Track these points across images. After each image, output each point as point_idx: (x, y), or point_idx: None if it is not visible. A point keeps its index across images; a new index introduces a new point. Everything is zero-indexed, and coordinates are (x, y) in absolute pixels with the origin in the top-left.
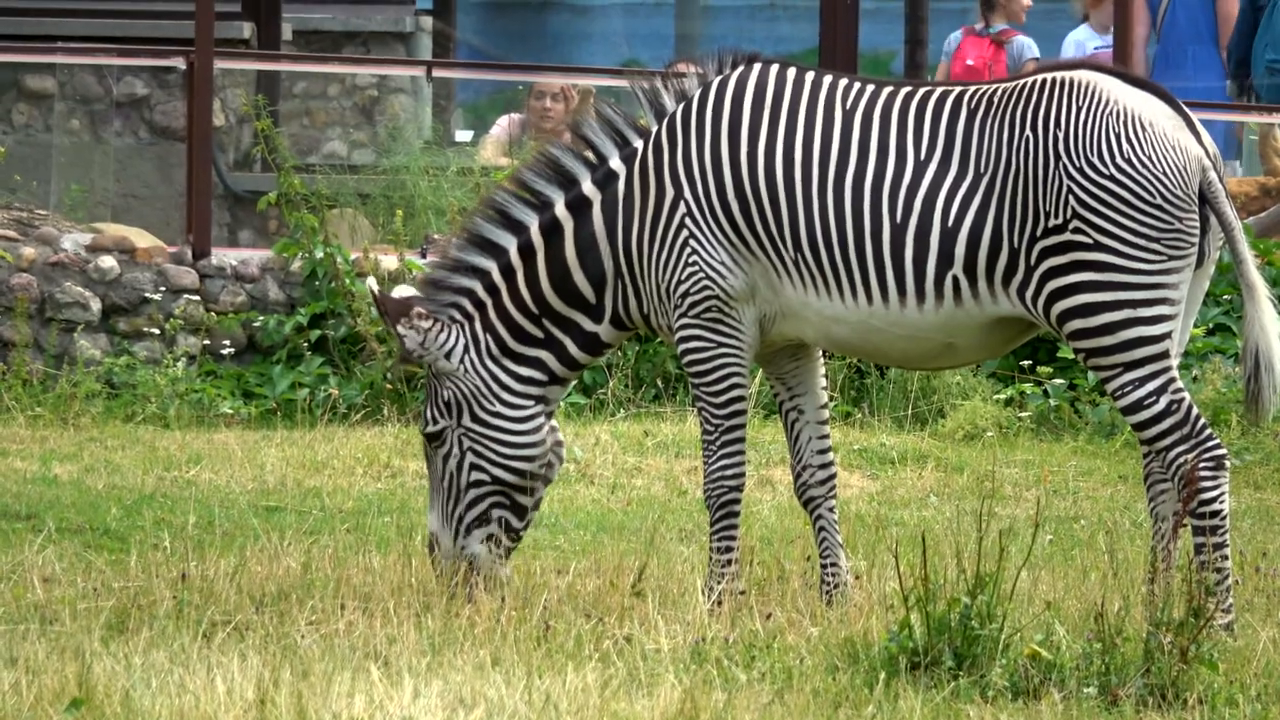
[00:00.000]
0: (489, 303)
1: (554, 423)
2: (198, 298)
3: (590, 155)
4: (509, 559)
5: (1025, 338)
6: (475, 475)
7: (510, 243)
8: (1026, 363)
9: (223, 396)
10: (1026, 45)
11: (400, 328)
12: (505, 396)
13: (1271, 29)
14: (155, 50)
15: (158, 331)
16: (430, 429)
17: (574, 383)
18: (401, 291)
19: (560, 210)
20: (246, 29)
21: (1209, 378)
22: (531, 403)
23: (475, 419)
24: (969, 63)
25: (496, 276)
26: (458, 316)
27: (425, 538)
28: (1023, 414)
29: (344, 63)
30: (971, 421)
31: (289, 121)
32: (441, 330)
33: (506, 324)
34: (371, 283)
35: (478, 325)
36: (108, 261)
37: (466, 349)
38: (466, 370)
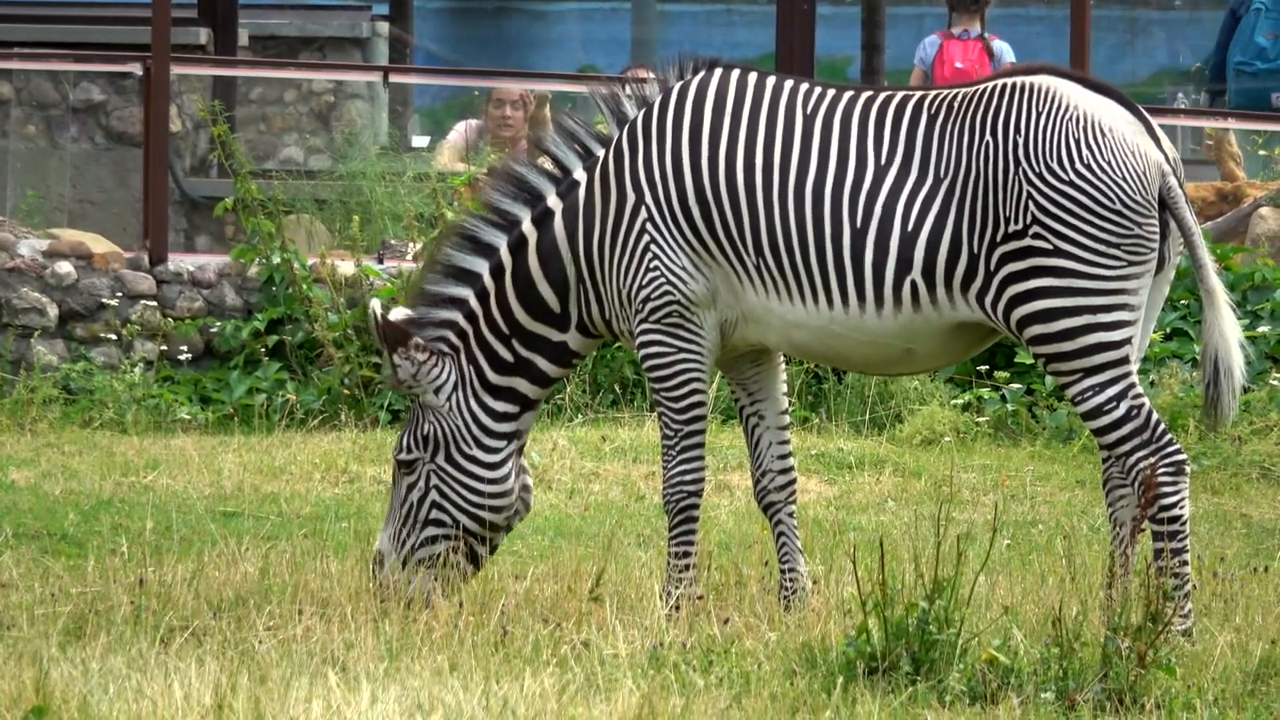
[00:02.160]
0: (470, 332)
1: (525, 464)
2: (155, 303)
3: (554, 169)
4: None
5: (986, 344)
6: (436, 514)
7: (483, 267)
8: (984, 368)
9: (180, 402)
10: (1005, 49)
11: (396, 357)
12: (483, 439)
13: (1242, 35)
14: (112, 56)
15: (115, 337)
16: (403, 456)
17: (543, 405)
18: (398, 314)
19: (526, 226)
20: (203, 34)
21: (1166, 383)
22: (504, 444)
23: (449, 459)
24: (958, 65)
25: (474, 303)
26: (446, 350)
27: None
28: (980, 419)
29: (300, 68)
30: (929, 426)
31: (245, 127)
32: (436, 365)
33: (485, 352)
34: (375, 305)
35: (463, 358)
36: (64, 267)
37: (456, 386)
38: (451, 409)
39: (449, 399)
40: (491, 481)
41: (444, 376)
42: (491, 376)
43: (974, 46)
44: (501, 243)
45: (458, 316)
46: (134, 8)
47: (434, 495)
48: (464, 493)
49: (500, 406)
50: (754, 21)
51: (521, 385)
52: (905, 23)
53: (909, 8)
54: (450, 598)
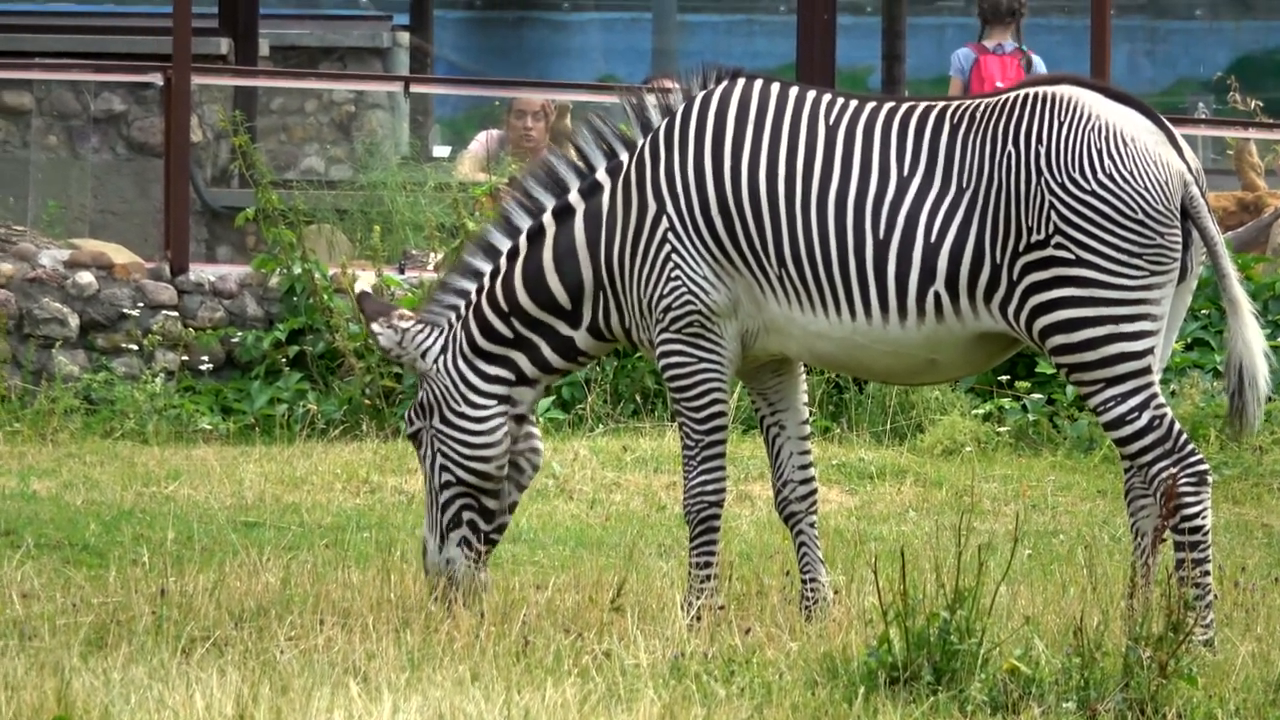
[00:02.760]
0: (474, 302)
1: (533, 429)
2: (176, 313)
3: (581, 164)
4: (485, 565)
5: (1008, 354)
6: (444, 477)
7: (505, 245)
8: (1005, 378)
9: (201, 412)
10: (1040, 64)
11: (376, 325)
12: (470, 396)
13: None
14: (133, 66)
15: (136, 347)
16: (408, 430)
17: (545, 387)
18: (358, 286)
19: (547, 216)
20: (224, 45)
21: (1187, 393)
22: (494, 403)
23: (443, 419)
24: (999, 85)
25: (487, 279)
26: (452, 319)
27: (405, 552)
28: (1001, 429)
29: (321, 78)
30: (950, 436)
31: (266, 137)
32: (421, 330)
33: (478, 320)
34: (361, 284)
35: (459, 326)
36: (86, 277)
37: (444, 349)
38: (439, 371)
39: (435, 361)
40: (477, 433)
41: (430, 341)
42: (482, 342)
43: (1011, 62)
44: (525, 226)
45: (471, 288)
46: (155, 18)
47: (439, 459)
48: (457, 447)
49: (491, 370)
50: (774, 32)
51: (519, 359)
52: (926, 33)
53: (930, 18)
54: (472, 607)
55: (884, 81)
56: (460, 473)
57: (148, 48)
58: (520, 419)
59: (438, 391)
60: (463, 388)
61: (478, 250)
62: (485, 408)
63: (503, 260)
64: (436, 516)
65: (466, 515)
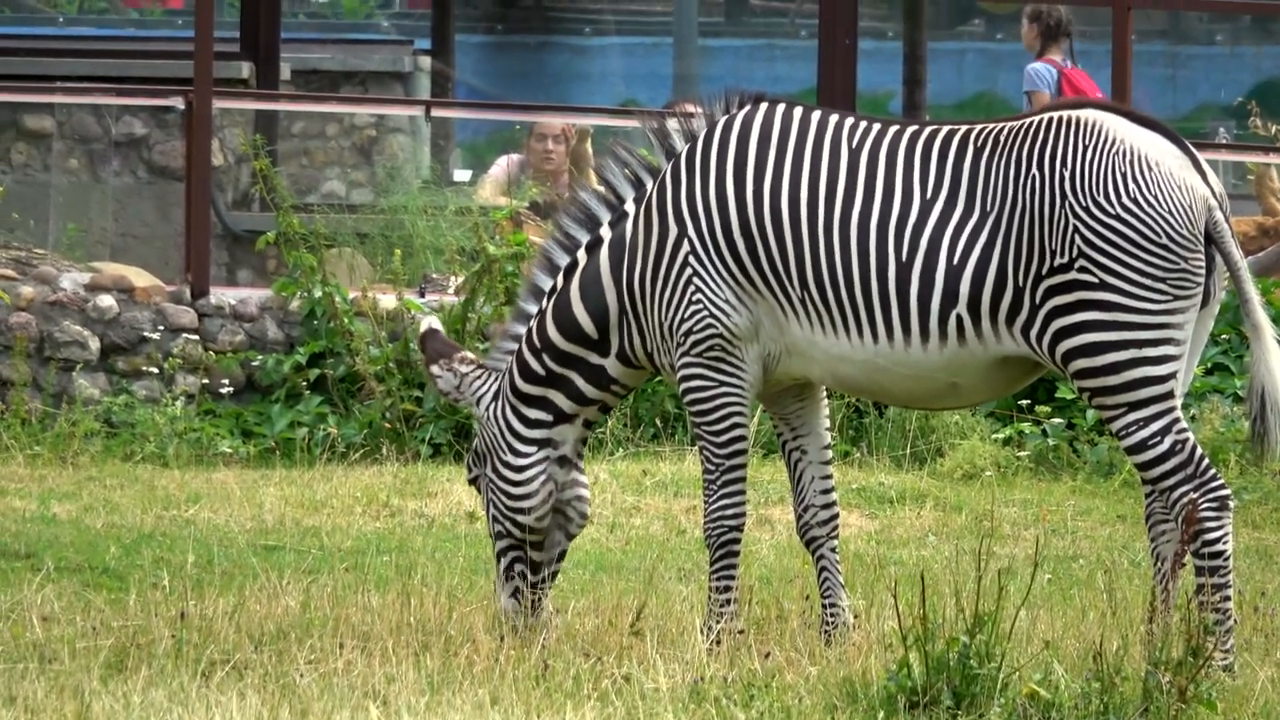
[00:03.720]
0: (519, 346)
1: (580, 476)
2: (196, 337)
3: (611, 196)
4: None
5: (1030, 378)
6: (496, 526)
7: (549, 284)
8: (1025, 402)
9: (221, 435)
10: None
11: (435, 369)
12: (514, 444)
13: None
14: (154, 90)
15: (156, 370)
16: (469, 477)
17: (586, 424)
18: (427, 324)
19: (580, 252)
20: (245, 69)
21: (1207, 417)
22: (534, 450)
23: (494, 469)
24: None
25: (533, 320)
26: (511, 364)
27: (425, 575)
28: (1021, 453)
29: (342, 102)
30: (970, 461)
31: (287, 161)
32: (480, 376)
33: (519, 363)
34: (431, 321)
35: (506, 371)
36: (106, 301)
37: (495, 396)
38: (489, 419)
39: (488, 409)
40: (516, 484)
41: (485, 388)
42: (521, 385)
43: (1083, 75)
44: (564, 264)
45: (522, 331)
46: (176, 42)
47: (492, 508)
48: (503, 498)
49: (531, 414)
50: (795, 56)
51: (555, 397)
52: (947, 57)
53: (951, 42)
54: (492, 632)
55: (905, 106)
56: (506, 524)
57: (169, 72)
58: (565, 462)
59: (489, 439)
60: (508, 435)
61: (528, 295)
62: (526, 455)
63: (544, 301)
64: (496, 566)
65: (517, 567)
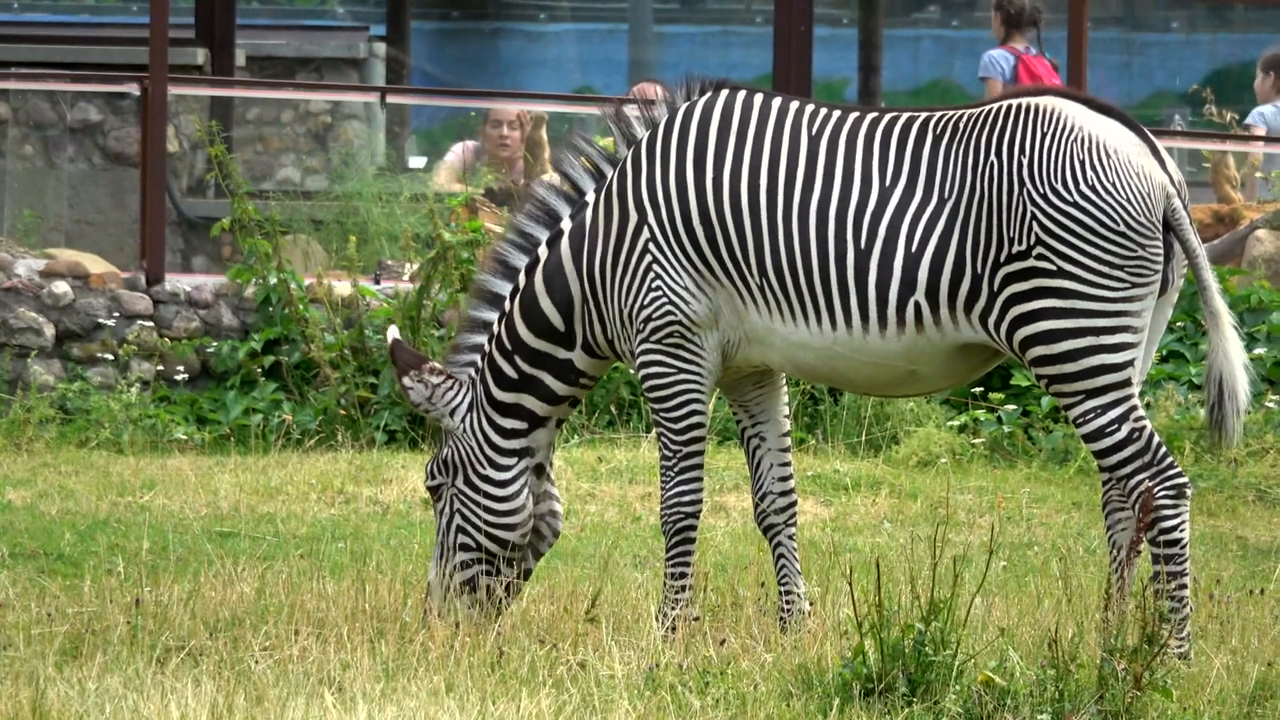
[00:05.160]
0: (486, 352)
1: (552, 489)
2: (151, 323)
3: (570, 190)
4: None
5: (989, 366)
6: (462, 539)
7: (507, 289)
8: (980, 390)
9: (176, 422)
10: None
11: (407, 380)
12: (495, 458)
13: None
14: (109, 76)
15: (111, 357)
16: (429, 483)
17: (557, 424)
18: (391, 333)
19: (541, 248)
20: (200, 55)
21: (1162, 404)
22: (514, 460)
23: (467, 481)
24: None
25: (496, 325)
26: (473, 375)
27: (380, 562)
28: (976, 440)
29: (297, 89)
30: (925, 448)
31: (243, 147)
32: (451, 388)
33: (492, 370)
34: (393, 331)
35: (478, 379)
36: (61, 287)
37: (471, 408)
38: (465, 431)
39: (463, 421)
40: (503, 499)
41: (459, 399)
42: (497, 393)
43: (1043, 64)
44: (523, 264)
45: (484, 340)
46: (132, 28)
47: (458, 520)
48: (481, 514)
49: (508, 423)
50: (751, 43)
51: (528, 401)
52: (902, 44)
53: (906, 29)
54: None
55: (860, 93)
56: (481, 538)
57: (124, 58)
58: (540, 471)
59: (463, 452)
60: (487, 449)
61: (480, 302)
62: (508, 469)
63: (506, 303)
64: (448, 571)
65: (485, 581)
